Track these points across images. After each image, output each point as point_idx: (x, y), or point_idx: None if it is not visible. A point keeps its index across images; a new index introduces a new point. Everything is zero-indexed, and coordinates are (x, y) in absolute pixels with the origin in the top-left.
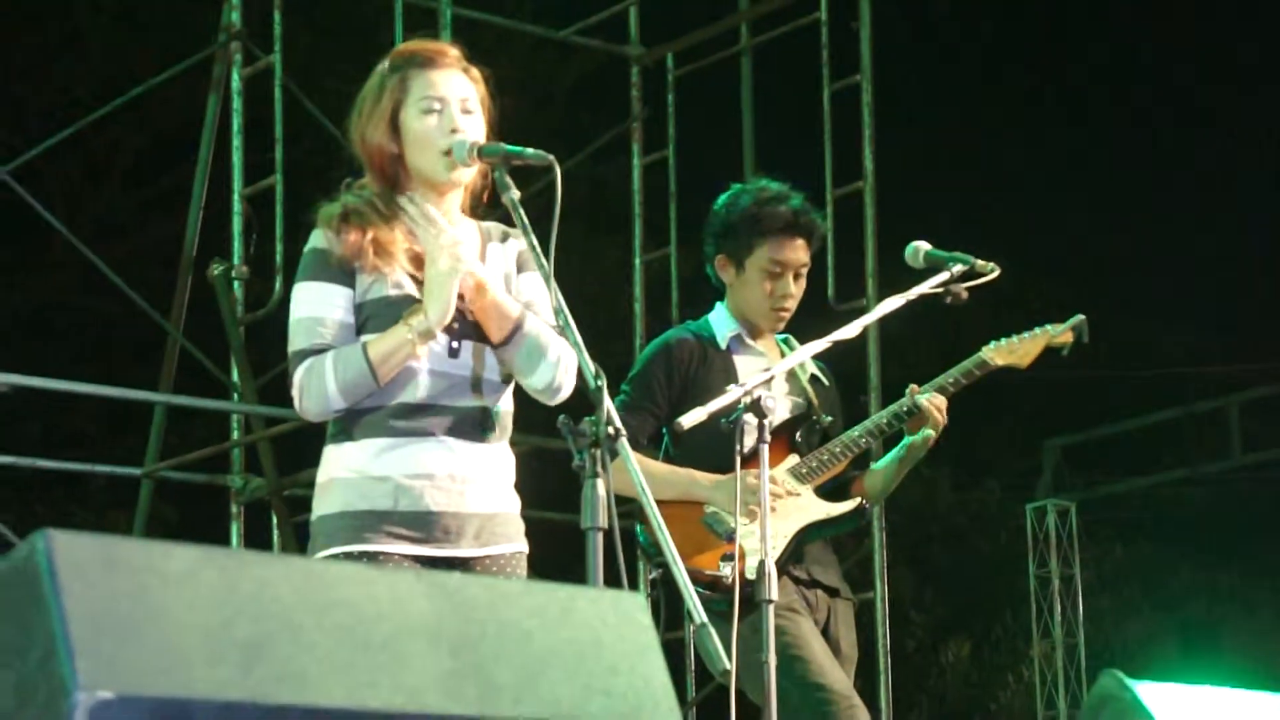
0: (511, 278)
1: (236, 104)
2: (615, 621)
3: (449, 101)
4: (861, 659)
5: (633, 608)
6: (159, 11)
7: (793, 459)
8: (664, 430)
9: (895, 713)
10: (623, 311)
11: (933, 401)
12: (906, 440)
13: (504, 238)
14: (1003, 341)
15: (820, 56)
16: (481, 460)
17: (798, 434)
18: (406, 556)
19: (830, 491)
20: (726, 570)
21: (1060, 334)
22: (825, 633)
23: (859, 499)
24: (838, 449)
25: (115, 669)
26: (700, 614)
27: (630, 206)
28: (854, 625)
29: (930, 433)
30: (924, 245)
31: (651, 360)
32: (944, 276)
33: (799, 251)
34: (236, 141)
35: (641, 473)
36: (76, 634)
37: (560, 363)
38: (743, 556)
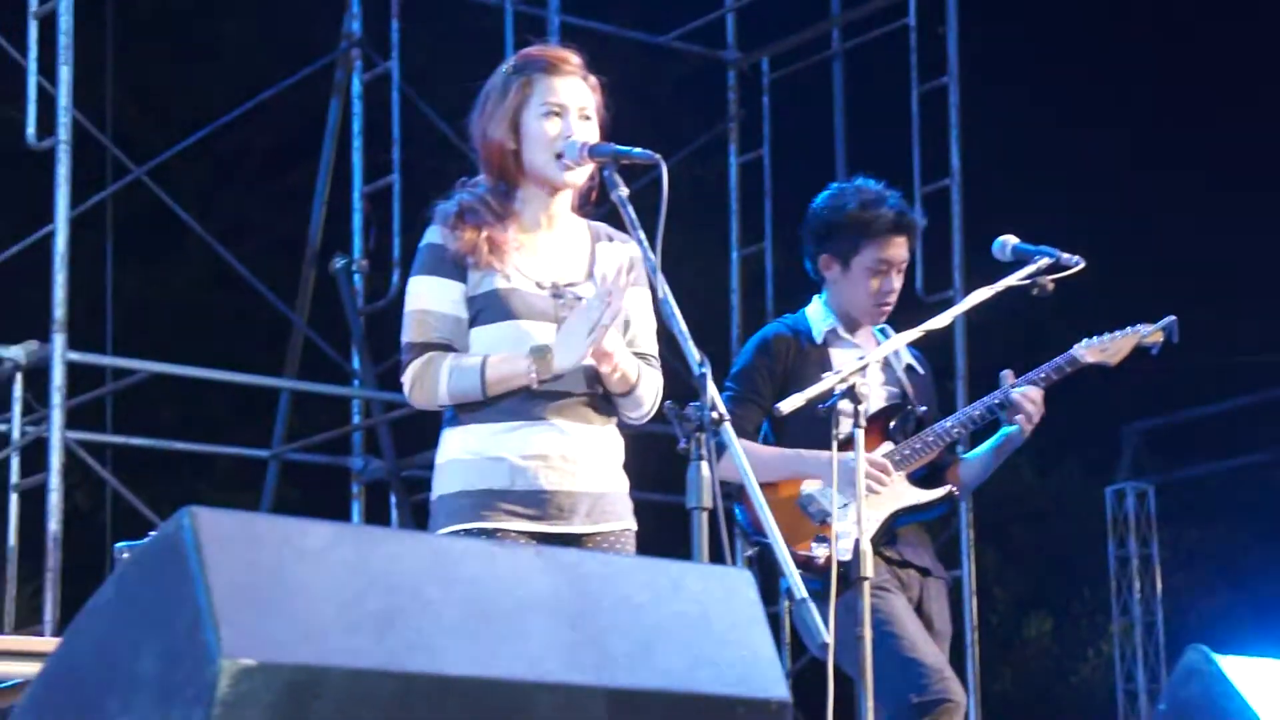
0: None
1: (357, 108)
2: (723, 596)
3: (569, 108)
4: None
5: (739, 583)
6: (285, 21)
7: (886, 446)
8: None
9: (981, 683)
10: (719, 302)
11: (1027, 395)
12: (1005, 431)
13: (611, 239)
14: (1094, 339)
15: (909, 60)
16: (592, 442)
17: (892, 422)
18: (522, 533)
19: (922, 478)
20: (819, 551)
21: (1151, 334)
22: (919, 610)
23: (950, 487)
24: (930, 438)
25: (256, 637)
26: (801, 590)
27: (727, 204)
28: (947, 602)
29: (1026, 426)
30: (1011, 239)
31: (753, 354)
32: (1031, 269)
33: (902, 249)
34: (357, 143)
35: (752, 456)
36: (220, 604)
37: (654, 407)
38: (836, 539)
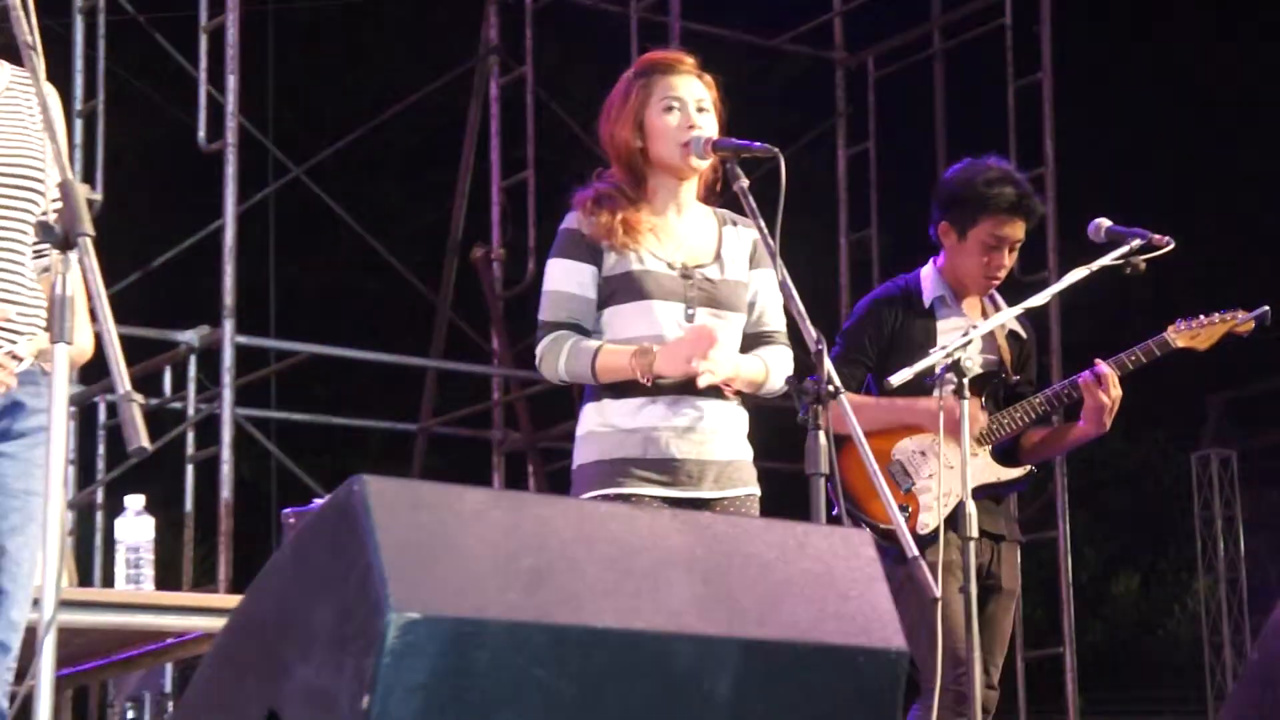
0: (745, 265)
1: (494, 109)
2: (845, 554)
3: (687, 102)
4: (1045, 589)
5: (859, 542)
6: (425, 31)
7: (980, 416)
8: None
9: (1075, 635)
10: (828, 285)
11: (1100, 380)
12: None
13: (735, 224)
14: (1186, 324)
15: (1005, 57)
16: (719, 415)
17: (984, 395)
18: (655, 498)
19: (1003, 451)
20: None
21: (1244, 323)
22: (988, 573)
23: (1029, 467)
24: (1018, 414)
25: (421, 593)
26: (912, 548)
27: (835, 193)
28: (1017, 564)
29: (1097, 416)
30: (1105, 221)
31: (863, 317)
32: (1124, 250)
33: (1018, 229)
34: (494, 141)
35: (861, 404)
36: (388, 563)
37: (779, 384)
38: (917, 510)
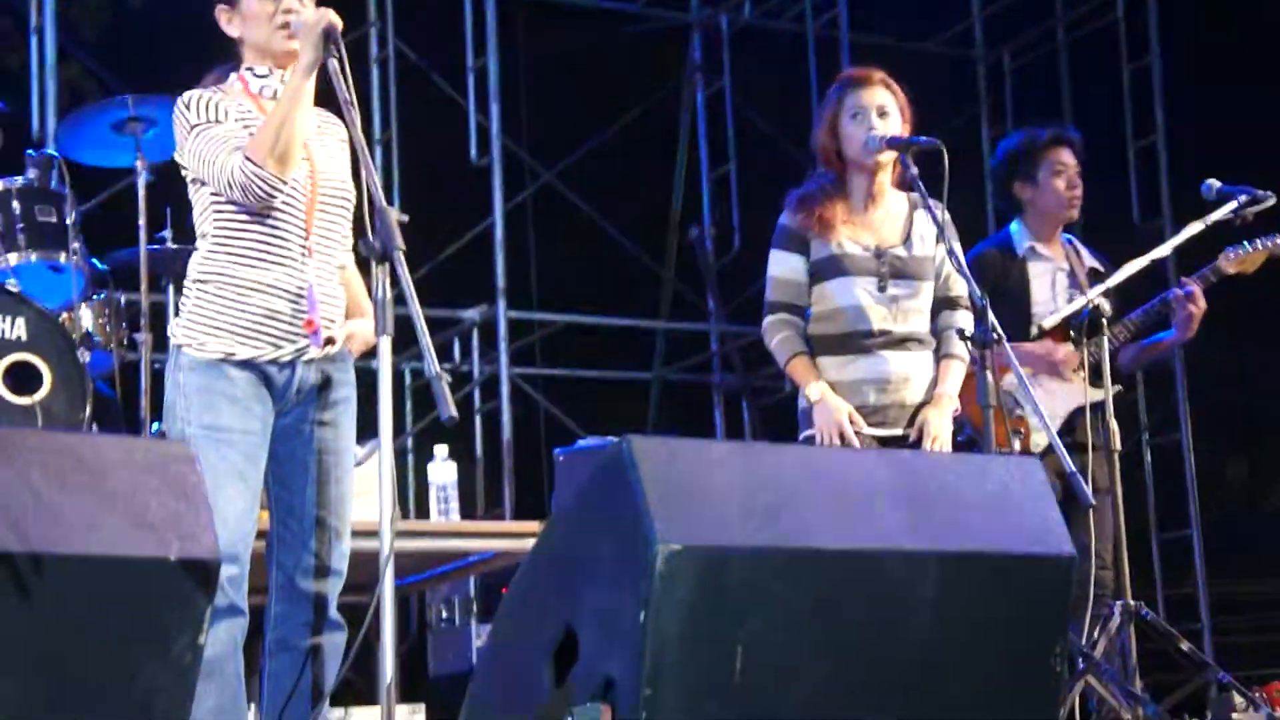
0: (933, 242)
1: (701, 115)
2: (1020, 478)
3: (869, 109)
4: (1171, 482)
5: (1032, 468)
6: (646, 55)
7: (1067, 347)
8: None
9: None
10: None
11: (1190, 297)
12: (1162, 335)
13: (922, 206)
14: (1237, 251)
15: (1120, 45)
16: (911, 366)
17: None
18: (861, 435)
19: (1099, 370)
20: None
21: None
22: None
23: (1119, 386)
24: (1112, 336)
25: (680, 528)
26: (1068, 463)
27: (980, 171)
28: (1113, 465)
29: (1188, 324)
30: (1215, 182)
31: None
32: (1233, 205)
33: (1070, 156)
34: (702, 141)
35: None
36: (653, 506)
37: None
38: (1029, 432)
